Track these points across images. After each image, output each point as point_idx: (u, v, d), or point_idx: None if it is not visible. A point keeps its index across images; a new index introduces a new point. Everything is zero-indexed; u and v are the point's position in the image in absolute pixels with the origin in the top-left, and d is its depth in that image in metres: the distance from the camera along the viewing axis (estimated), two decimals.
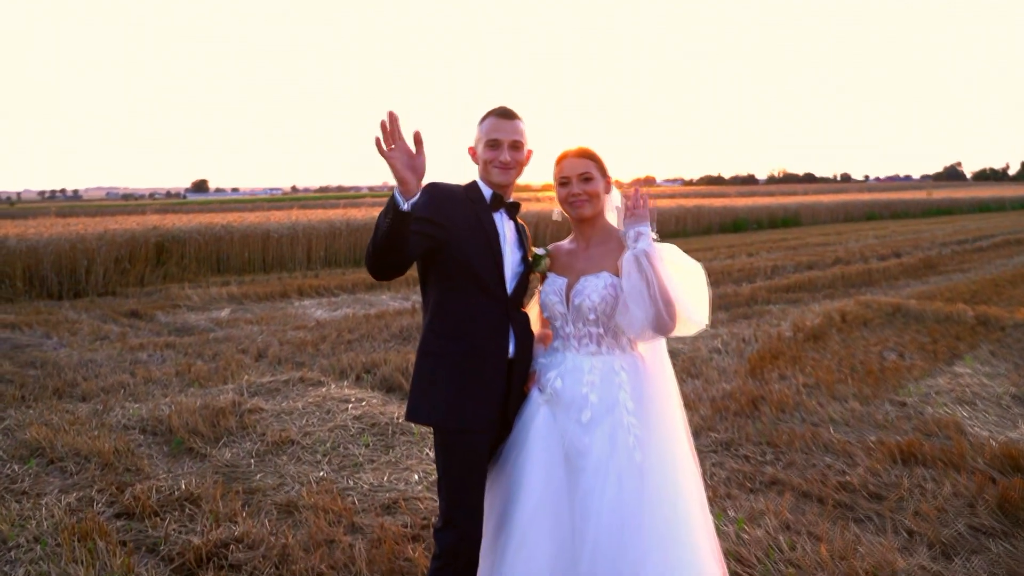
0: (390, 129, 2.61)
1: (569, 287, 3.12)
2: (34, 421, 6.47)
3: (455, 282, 3.03)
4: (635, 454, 2.87)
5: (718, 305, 12.05)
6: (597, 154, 3.18)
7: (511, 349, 3.08)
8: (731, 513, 4.62)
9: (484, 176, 3.15)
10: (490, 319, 3.03)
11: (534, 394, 3.12)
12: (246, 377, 7.86)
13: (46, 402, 7.19)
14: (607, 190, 3.20)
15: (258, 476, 5.32)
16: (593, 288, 3.04)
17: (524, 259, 3.21)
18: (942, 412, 6.36)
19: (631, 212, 2.98)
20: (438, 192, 3.01)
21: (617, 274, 3.01)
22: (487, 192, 3.14)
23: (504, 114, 3.13)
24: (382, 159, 2.65)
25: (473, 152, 3.22)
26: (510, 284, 3.11)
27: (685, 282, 2.94)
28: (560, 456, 2.97)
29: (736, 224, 33.83)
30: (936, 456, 5.28)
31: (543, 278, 3.26)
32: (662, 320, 2.86)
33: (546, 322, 3.27)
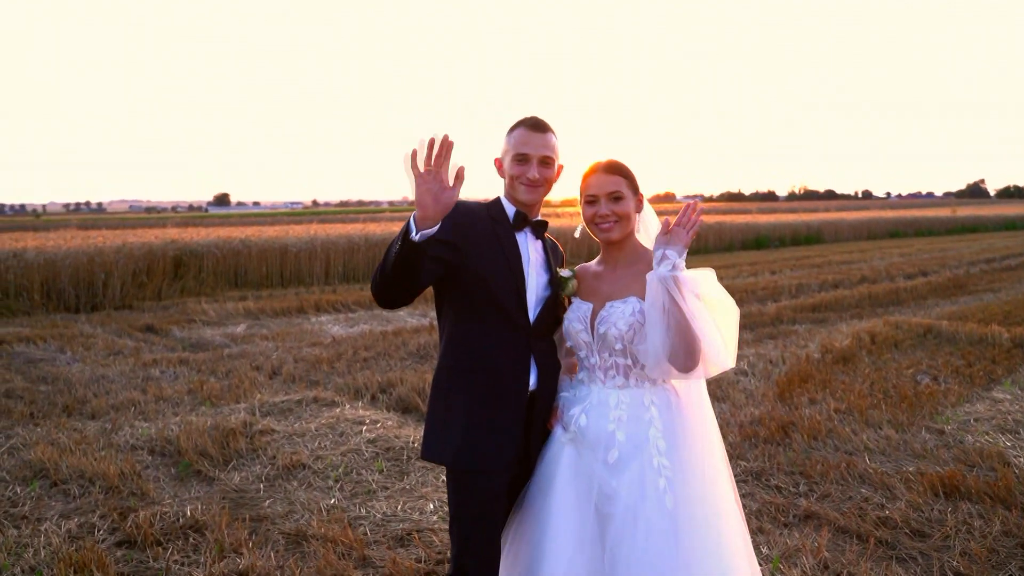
0: (437, 152, 2.37)
1: (594, 313, 2.85)
2: (41, 440, 6.29)
3: (472, 309, 2.79)
4: (666, 499, 2.59)
5: (743, 325, 11.66)
6: (628, 169, 2.90)
7: (532, 381, 2.83)
8: (764, 551, 4.35)
9: (509, 193, 2.91)
10: (510, 350, 2.78)
11: (558, 432, 2.86)
12: (259, 396, 7.66)
13: (55, 420, 7.03)
14: (638, 209, 2.92)
15: (267, 503, 5.10)
16: (620, 315, 2.76)
17: (552, 282, 2.96)
18: (983, 441, 6.06)
19: (669, 231, 2.65)
20: (454, 210, 2.73)
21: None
22: (510, 210, 2.90)
23: (535, 126, 2.86)
24: (408, 176, 2.43)
25: (499, 165, 2.96)
26: (534, 310, 2.86)
27: (714, 318, 2.61)
28: (590, 503, 2.69)
29: (758, 241, 33.48)
30: (982, 490, 4.98)
31: (569, 302, 3.01)
32: (678, 357, 2.57)
33: (572, 350, 3.02)
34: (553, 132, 2.90)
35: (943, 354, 9.29)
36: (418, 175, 2.39)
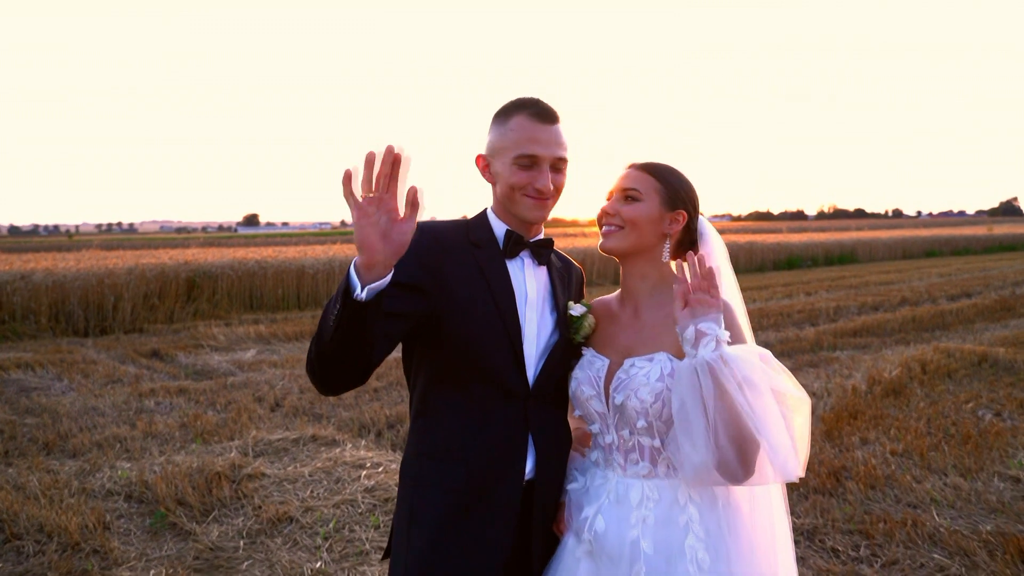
0: (380, 170, 1.64)
1: (610, 374, 2.11)
2: (7, 484, 5.69)
3: (448, 372, 2.07)
4: None
5: (780, 351, 11.01)
6: (673, 175, 2.17)
7: (529, 467, 2.10)
8: None
9: (505, 206, 2.14)
10: (499, 426, 2.05)
11: (570, 541, 2.13)
12: (254, 432, 7.02)
13: (31, 459, 6.43)
14: (669, 228, 2.16)
15: (244, 565, 4.45)
16: (643, 379, 2.02)
17: (560, 323, 2.20)
18: None
19: (692, 297, 1.90)
20: (421, 238, 2.02)
21: (681, 356, 1.98)
22: (500, 231, 2.15)
23: (544, 115, 2.09)
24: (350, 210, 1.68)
25: (484, 166, 2.18)
26: (535, 367, 2.12)
27: (775, 414, 1.87)
28: None
29: (790, 261, 32.52)
30: None
31: (579, 352, 2.26)
32: (729, 465, 1.86)
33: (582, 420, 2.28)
34: (561, 120, 2.14)
35: (1003, 385, 8.48)
36: (356, 205, 1.65)
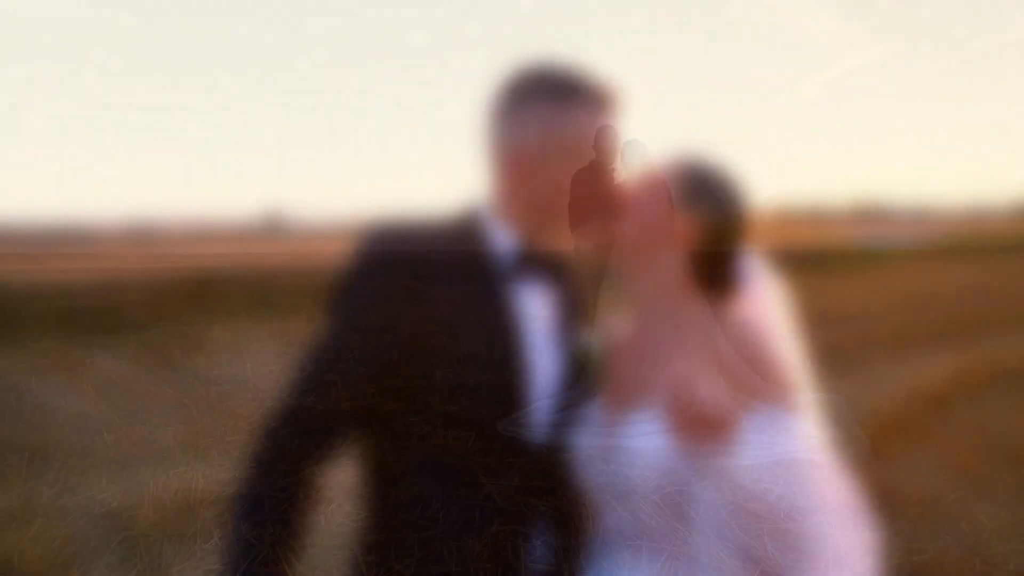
0: None
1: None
2: None
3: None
4: None
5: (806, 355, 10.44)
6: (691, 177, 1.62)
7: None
8: None
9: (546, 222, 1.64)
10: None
11: None
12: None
13: (6, 478, 6.02)
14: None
15: None
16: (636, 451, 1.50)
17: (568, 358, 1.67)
18: None
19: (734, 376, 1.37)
20: (381, 264, 1.54)
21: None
22: (505, 243, 1.59)
23: (607, 98, 1.61)
24: None
25: (528, 173, 1.58)
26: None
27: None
28: None
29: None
30: None
31: None
32: None
33: None
34: None
35: None
36: None
